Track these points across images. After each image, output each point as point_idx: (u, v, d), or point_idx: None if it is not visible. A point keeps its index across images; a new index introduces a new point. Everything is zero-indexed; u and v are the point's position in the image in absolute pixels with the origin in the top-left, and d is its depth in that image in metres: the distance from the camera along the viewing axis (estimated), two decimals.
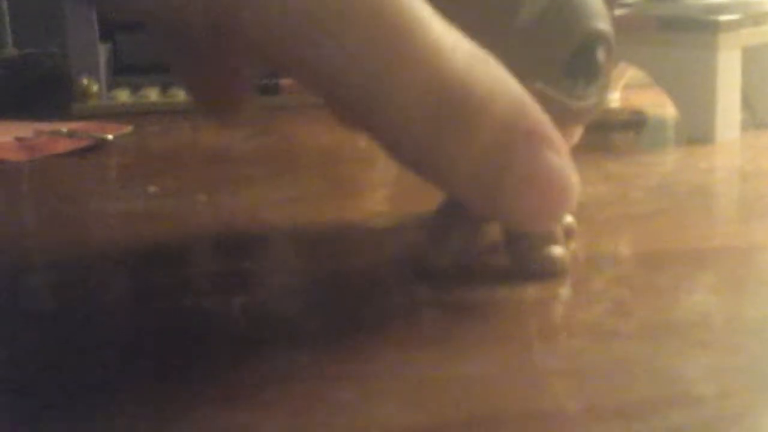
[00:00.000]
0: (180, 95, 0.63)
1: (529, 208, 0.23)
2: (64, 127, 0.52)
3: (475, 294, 0.27)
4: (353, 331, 0.25)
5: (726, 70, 0.44)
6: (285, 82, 0.64)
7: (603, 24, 0.27)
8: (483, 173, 0.23)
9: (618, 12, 0.46)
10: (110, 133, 0.51)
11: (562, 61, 0.27)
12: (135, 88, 0.64)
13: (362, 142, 0.54)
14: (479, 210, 0.25)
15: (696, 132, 0.45)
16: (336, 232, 0.34)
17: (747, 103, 0.47)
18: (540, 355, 0.23)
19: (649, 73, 0.47)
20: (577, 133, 0.29)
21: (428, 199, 0.30)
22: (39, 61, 0.73)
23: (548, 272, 0.28)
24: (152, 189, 0.42)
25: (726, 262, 0.29)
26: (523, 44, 0.26)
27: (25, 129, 0.52)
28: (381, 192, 0.40)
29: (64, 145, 0.49)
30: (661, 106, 0.51)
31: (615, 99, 0.54)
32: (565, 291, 0.27)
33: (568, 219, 0.31)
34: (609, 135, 0.47)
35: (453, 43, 0.22)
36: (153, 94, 0.63)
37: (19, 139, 0.51)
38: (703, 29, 0.44)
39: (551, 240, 0.28)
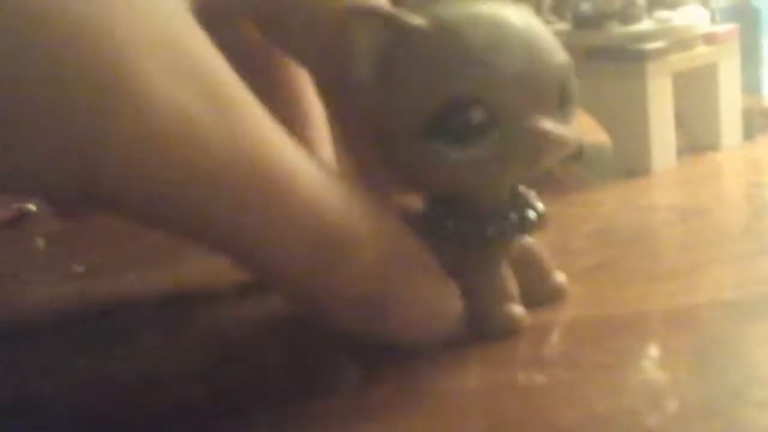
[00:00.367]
0: None
1: (409, 332, 0.25)
2: None
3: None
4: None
5: (657, 98, 0.43)
6: None
7: (565, 54, 0.27)
8: (364, 306, 0.24)
9: None
10: (33, 202, 0.49)
11: (554, 96, 0.26)
12: None
13: None
14: (364, 333, 0.25)
15: (632, 163, 0.44)
16: (275, 308, 0.33)
17: (682, 126, 0.47)
18: None
19: (581, 103, 0.46)
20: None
21: None
22: None
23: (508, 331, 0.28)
24: (78, 268, 0.40)
25: (670, 329, 0.28)
26: (518, 87, 0.25)
27: None
28: None
29: None
30: (595, 131, 0.50)
31: None
32: (502, 375, 0.26)
33: (559, 279, 0.30)
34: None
35: (326, 185, 0.23)
36: None
37: None
38: (630, 58, 0.43)
39: (508, 297, 0.28)
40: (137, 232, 0.46)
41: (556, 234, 0.37)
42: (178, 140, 0.21)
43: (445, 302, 0.26)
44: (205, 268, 0.38)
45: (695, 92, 0.47)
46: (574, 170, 0.47)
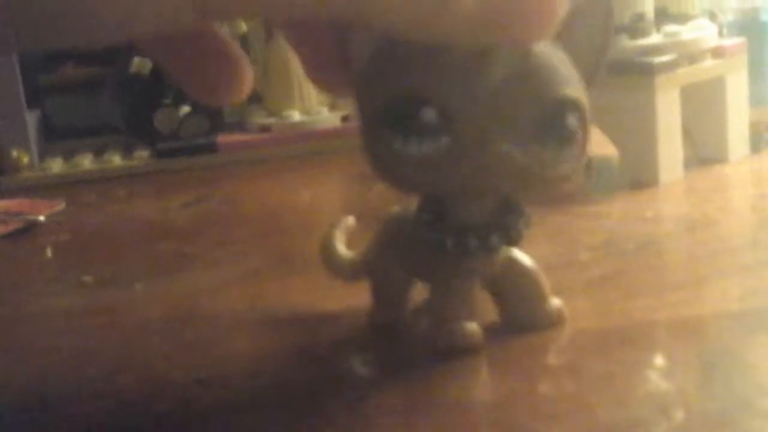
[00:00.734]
0: (114, 160, 0.61)
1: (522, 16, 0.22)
2: None
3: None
4: None
5: (665, 111, 0.44)
6: (223, 139, 0.62)
7: (573, 90, 0.26)
8: None
9: None
10: (42, 213, 0.49)
11: (528, 125, 0.25)
12: (68, 155, 0.63)
13: (305, 197, 0.53)
14: (473, 39, 0.23)
15: (639, 175, 0.44)
16: (282, 318, 0.33)
17: (689, 139, 0.47)
18: None
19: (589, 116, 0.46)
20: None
21: None
22: None
23: (458, 348, 0.28)
24: (87, 279, 0.40)
25: (677, 339, 0.28)
26: (490, 105, 0.25)
27: None
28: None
29: None
30: (602, 144, 0.50)
31: None
32: (510, 386, 0.26)
33: (555, 304, 0.30)
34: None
35: None
36: (86, 162, 0.61)
37: None
38: (639, 72, 0.43)
39: (466, 315, 0.28)
40: (144, 243, 0.46)
41: (563, 246, 0.37)
42: None
43: None
44: (211, 278, 0.39)
45: (703, 105, 0.47)
46: (581, 182, 0.47)
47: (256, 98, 0.66)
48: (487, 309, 0.30)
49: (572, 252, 0.36)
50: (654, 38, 0.45)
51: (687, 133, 0.46)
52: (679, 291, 0.31)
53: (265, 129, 0.63)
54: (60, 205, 0.52)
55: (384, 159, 0.26)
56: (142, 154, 0.62)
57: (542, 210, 0.41)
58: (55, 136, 0.66)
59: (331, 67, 0.28)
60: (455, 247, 0.28)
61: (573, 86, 0.26)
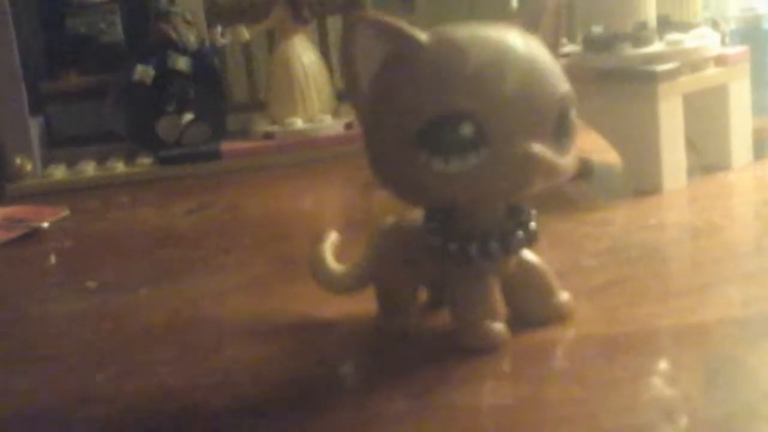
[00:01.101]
0: (117, 167, 0.61)
1: None
2: None
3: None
4: None
5: (668, 118, 0.44)
6: (226, 147, 0.62)
7: (568, 85, 0.28)
8: None
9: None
10: (46, 219, 0.49)
11: (544, 122, 0.27)
12: (71, 162, 0.63)
13: (308, 204, 0.53)
14: None
15: (643, 182, 0.44)
16: (285, 323, 0.33)
17: (693, 147, 0.47)
18: None
19: (591, 124, 0.46)
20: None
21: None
22: None
23: (487, 347, 0.28)
24: (91, 284, 0.40)
25: (681, 345, 0.28)
26: (513, 109, 0.26)
27: None
28: None
29: None
30: (605, 150, 0.50)
31: None
32: (515, 391, 0.26)
33: (564, 298, 0.30)
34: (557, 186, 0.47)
35: None
36: (89, 169, 0.61)
37: None
38: (641, 80, 0.44)
39: (490, 314, 0.29)
40: (147, 249, 0.46)
41: (568, 252, 0.37)
42: None
43: None
44: (214, 284, 0.39)
45: (706, 113, 0.47)
46: (585, 189, 0.47)
47: (259, 106, 0.66)
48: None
49: (577, 259, 0.36)
50: (657, 46, 0.45)
51: (690, 141, 0.46)
52: (683, 298, 0.31)
53: (268, 136, 0.63)
54: (64, 212, 0.52)
55: (419, 180, 0.27)
56: (144, 162, 0.62)
57: (547, 217, 0.41)
58: (59, 143, 0.66)
59: None
60: (479, 252, 0.28)
61: (566, 81, 0.28)
